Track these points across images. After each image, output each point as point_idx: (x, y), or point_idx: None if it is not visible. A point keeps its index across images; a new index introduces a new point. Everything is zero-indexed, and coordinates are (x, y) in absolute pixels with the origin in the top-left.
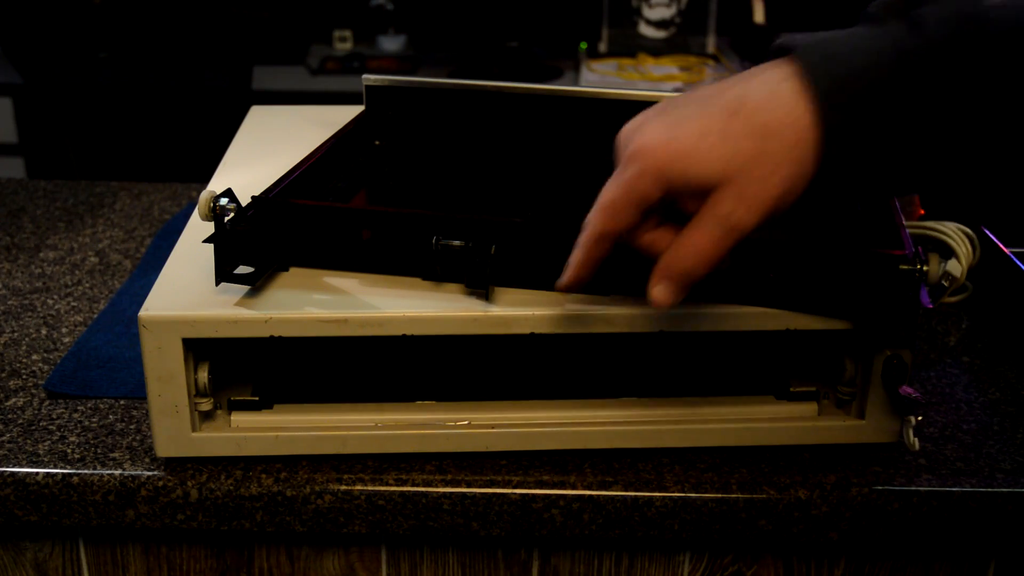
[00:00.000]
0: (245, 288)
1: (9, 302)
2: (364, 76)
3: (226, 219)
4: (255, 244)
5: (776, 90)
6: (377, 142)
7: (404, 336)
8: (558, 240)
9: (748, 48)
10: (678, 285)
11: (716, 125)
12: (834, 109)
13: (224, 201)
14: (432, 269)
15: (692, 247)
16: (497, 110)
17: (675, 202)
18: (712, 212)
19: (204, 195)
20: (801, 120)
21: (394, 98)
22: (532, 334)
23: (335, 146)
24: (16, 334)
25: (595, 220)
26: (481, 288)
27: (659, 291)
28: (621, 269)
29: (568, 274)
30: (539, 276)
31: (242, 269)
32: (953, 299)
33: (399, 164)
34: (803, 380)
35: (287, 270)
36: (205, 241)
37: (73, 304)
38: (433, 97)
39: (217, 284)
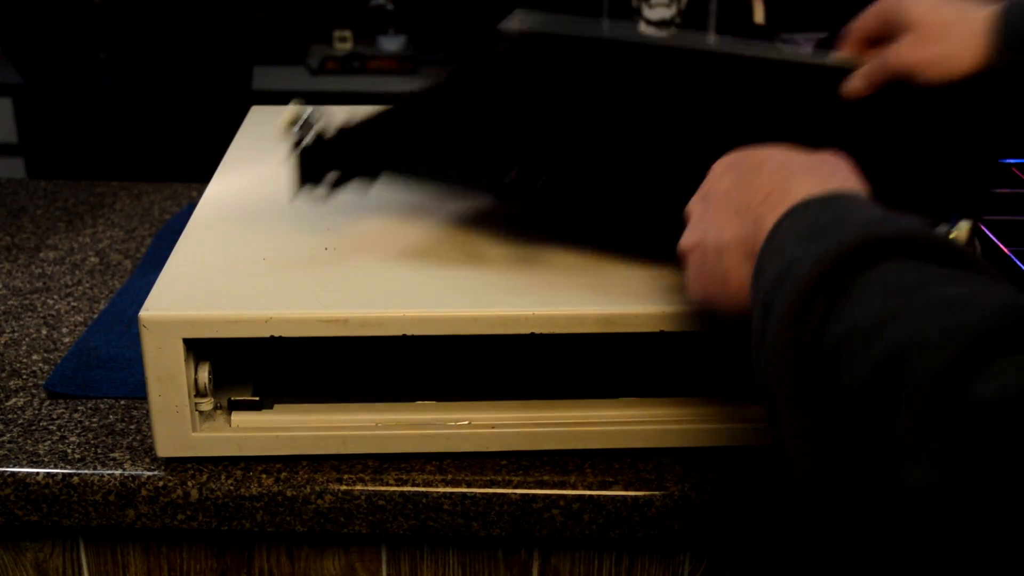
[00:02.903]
0: (245, 288)
1: (9, 302)
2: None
3: (305, 136)
4: (338, 153)
5: None
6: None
7: (404, 336)
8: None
9: None
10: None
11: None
12: None
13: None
14: (500, 185)
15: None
16: (647, 68)
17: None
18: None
19: (289, 111)
20: None
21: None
22: (532, 334)
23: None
24: (16, 334)
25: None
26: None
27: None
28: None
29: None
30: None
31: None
32: None
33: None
34: None
35: (376, 178)
36: (291, 153)
37: (73, 304)
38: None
39: (295, 197)
